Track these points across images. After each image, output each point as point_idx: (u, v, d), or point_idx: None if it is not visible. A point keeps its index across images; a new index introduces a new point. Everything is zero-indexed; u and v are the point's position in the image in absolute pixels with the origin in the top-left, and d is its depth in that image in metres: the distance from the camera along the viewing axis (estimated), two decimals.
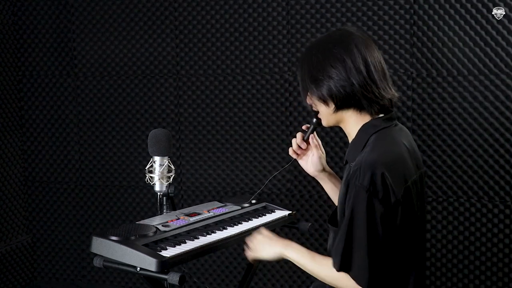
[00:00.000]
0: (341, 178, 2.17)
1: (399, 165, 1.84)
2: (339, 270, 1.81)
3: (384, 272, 1.81)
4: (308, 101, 2.00)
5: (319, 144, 2.24)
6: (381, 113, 1.94)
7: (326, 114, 1.98)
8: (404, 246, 1.86)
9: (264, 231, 2.12)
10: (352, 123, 1.95)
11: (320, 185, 2.31)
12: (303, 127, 2.23)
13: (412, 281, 1.89)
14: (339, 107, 1.93)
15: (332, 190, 2.26)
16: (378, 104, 1.91)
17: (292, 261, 2.00)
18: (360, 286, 1.80)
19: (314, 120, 2.13)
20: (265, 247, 2.06)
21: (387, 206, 1.78)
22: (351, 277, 1.80)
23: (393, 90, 1.95)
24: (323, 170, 2.25)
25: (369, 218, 1.76)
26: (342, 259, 1.80)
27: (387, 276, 1.85)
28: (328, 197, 2.36)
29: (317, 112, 2.04)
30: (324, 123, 2.03)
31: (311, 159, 2.24)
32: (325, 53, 1.91)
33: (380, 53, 1.97)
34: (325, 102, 1.94)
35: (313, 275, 1.96)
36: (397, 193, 1.79)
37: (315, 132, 2.22)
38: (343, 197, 1.88)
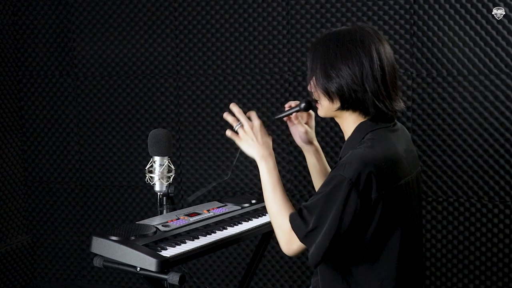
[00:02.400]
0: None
1: (390, 164, 1.84)
2: (302, 241, 1.85)
3: (332, 258, 1.85)
4: (311, 88, 1.98)
5: (301, 121, 2.20)
6: (384, 118, 1.93)
7: (327, 109, 1.96)
8: (391, 245, 1.86)
9: (258, 123, 2.06)
10: (350, 121, 1.95)
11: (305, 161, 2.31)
12: (292, 104, 2.18)
13: (402, 282, 1.89)
14: (345, 108, 1.91)
15: (313, 166, 2.25)
16: (384, 114, 1.90)
17: (260, 174, 2.01)
18: (310, 263, 1.84)
19: (303, 105, 2.11)
20: (249, 144, 2.04)
21: (365, 202, 1.78)
22: (309, 253, 1.84)
23: (401, 101, 1.93)
24: (310, 143, 2.24)
25: (344, 208, 1.78)
26: (308, 234, 1.83)
27: (369, 274, 1.86)
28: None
29: (312, 100, 2.03)
30: (321, 114, 2.01)
31: (299, 130, 2.23)
32: (344, 51, 1.86)
33: (394, 59, 1.95)
34: (331, 98, 1.91)
35: (266, 205, 1.98)
36: (382, 190, 1.79)
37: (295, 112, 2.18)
38: None
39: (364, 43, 1.87)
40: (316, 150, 2.25)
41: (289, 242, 1.89)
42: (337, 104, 1.91)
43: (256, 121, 2.07)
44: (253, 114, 2.09)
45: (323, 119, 3.45)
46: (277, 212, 1.95)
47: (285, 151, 3.62)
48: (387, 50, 1.90)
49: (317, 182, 2.25)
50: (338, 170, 1.82)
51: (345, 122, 1.97)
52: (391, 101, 1.88)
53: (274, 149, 3.60)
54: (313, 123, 2.24)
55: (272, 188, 1.98)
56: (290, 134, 2.29)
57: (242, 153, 2.11)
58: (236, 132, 2.08)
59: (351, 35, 1.89)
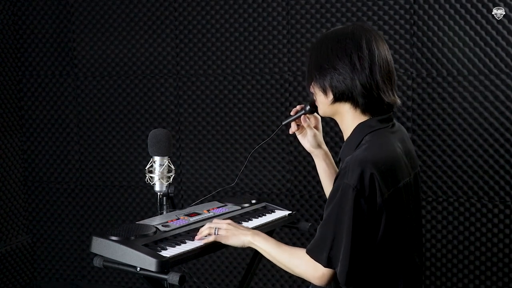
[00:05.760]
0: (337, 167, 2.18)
1: (390, 166, 1.84)
2: (326, 266, 1.83)
3: (362, 271, 1.82)
4: (311, 88, 2.02)
5: (310, 124, 2.23)
6: (378, 114, 1.94)
7: (324, 104, 1.99)
8: (391, 248, 1.85)
9: (229, 220, 2.17)
10: (348, 119, 1.96)
11: (315, 167, 2.32)
12: (298, 107, 2.22)
13: (401, 285, 1.89)
14: (337, 99, 1.94)
15: (323, 170, 2.27)
16: (375, 106, 1.92)
17: (259, 250, 2.04)
18: (340, 282, 1.82)
19: (308, 107, 2.14)
20: (235, 234, 2.07)
21: (373, 206, 1.79)
22: (337, 273, 1.82)
23: (395, 95, 1.95)
24: (320, 147, 2.25)
25: (355, 217, 1.77)
26: (329, 255, 1.82)
27: (373, 277, 1.85)
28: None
29: (314, 102, 2.05)
30: (321, 112, 2.05)
31: (308, 134, 2.25)
32: (335, 44, 1.92)
33: (391, 55, 1.97)
34: (324, 91, 1.95)
35: (279, 264, 1.99)
36: (385, 193, 1.80)
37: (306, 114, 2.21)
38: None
39: (355, 34, 1.91)
40: (326, 154, 2.27)
41: (314, 271, 1.87)
42: (330, 96, 1.94)
43: (227, 220, 2.15)
44: (215, 220, 2.17)
45: (323, 120, 3.46)
46: (289, 257, 1.96)
47: (285, 151, 3.62)
48: (380, 45, 1.93)
49: (328, 187, 2.25)
50: (341, 178, 1.82)
51: (343, 120, 1.98)
52: (380, 91, 1.89)
53: (274, 149, 3.63)
54: (320, 126, 2.25)
55: (275, 246, 2.01)
56: (291, 135, 2.29)
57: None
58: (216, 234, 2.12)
59: (344, 30, 1.96)
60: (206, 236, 2.11)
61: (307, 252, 1.88)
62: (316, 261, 1.85)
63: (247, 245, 2.06)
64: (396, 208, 1.84)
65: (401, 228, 1.88)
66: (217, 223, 2.12)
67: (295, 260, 1.94)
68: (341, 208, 1.79)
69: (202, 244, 2.10)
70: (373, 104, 1.91)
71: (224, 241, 2.08)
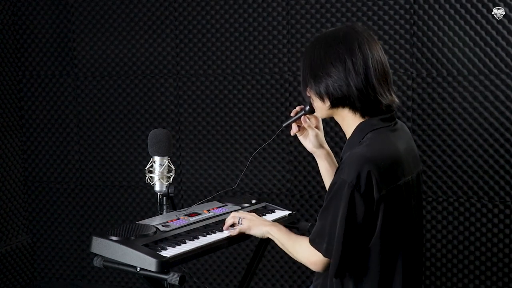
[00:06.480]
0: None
1: (389, 163, 1.85)
2: (325, 256, 1.88)
3: (355, 266, 1.86)
4: (307, 93, 2.02)
5: (311, 124, 2.22)
6: (378, 115, 1.94)
7: (321, 109, 2.00)
8: (390, 246, 1.86)
9: (253, 213, 2.27)
10: (348, 121, 1.97)
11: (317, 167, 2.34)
12: (297, 108, 2.21)
13: (400, 284, 1.90)
14: (334, 105, 1.94)
15: (326, 170, 2.27)
16: (373, 108, 1.92)
17: (274, 240, 2.12)
18: (329, 274, 1.88)
19: (307, 108, 2.14)
20: (257, 225, 2.17)
21: (369, 202, 1.80)
22: (331, 264, 1.86)
23: (393, 95, 1.95)
24: (321, 147, 2.25)
25: (349, 213, 1.80)
26: (328, 246, 1.86)
27: (370, 274, 1.87)
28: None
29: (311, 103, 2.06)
30: (318, 115, 2.07)
31: (309, 134, 2.25)
32: (328, 50, 1.92)
33: (385, 55, 1.96)
34: (321, 98, 1.96)
35: (288, 252, 2.07)
36: (382, 190, 1.80)
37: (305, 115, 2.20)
38: None
39: (347, 39, 1.91)
40: (328, 153, 2.27)
41: (311, 257, 1.93)
42: (327, 102, 1.94)
43: (250, 213, 2.27)
44: (238, 212, 2.27)
45: (323, 120, 3.47)
46: (293, 244, 2.04)
47: (285, 151, 3.62)
48: (373, 47, 1.93)
49: None
50: (338, 174, 1.84)
51: (344, 122, 1.98)
52: (376, 94, 1.90)
53: (274, 149, 3.63)
54: (321, 125, 2.25)
55: (284, 235, 2.09)
56: (291, 135, 2.29)
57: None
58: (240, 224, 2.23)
59: (335, 34, 1.95)
60: (230, 225, 2.21)
61: (310, 242, 1.93)
62: (317, 251, 1.90)
63: (266, 235, 2.14)
64: (395, 205, 1.85)
65: (401, 225, 1.88)
66: (241, 214, 2.22)
67: (297, 247, 2.01)
68: (336, 203, 1.82)
69: (202, 244, 2.11)
70: (371, 106, 1.92)
71: (247, 231, 2.17)
